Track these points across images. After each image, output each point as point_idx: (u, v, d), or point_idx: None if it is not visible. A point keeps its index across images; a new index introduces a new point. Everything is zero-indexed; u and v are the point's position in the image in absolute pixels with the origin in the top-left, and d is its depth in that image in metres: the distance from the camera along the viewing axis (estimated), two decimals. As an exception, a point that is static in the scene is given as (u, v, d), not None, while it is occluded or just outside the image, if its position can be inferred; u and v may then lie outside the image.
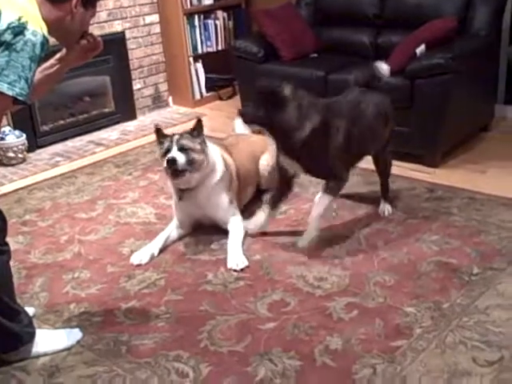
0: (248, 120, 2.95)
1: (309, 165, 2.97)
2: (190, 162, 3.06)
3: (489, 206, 3.44)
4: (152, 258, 3.12)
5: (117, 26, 5.27)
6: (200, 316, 2.65)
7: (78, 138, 5.06)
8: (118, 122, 5.36)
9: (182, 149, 3.06)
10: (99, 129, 5.23)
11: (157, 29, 5.60)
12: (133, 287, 2.89)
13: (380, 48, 4.68)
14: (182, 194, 3.20)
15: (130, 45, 5.40)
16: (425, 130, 3.95)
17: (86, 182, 4.20)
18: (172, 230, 3.30)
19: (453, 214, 3.39)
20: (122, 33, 5.31)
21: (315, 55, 4.88)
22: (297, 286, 2.81)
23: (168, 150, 3.07)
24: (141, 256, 3.12)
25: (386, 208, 3.44)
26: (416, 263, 2.93)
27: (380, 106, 3.22)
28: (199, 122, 3.14)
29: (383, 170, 3.44)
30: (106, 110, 5.37)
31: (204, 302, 2.74)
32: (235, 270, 2.95)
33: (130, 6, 5.35)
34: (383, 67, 3.31)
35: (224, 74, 5.90)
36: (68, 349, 2.50)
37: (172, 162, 3.02)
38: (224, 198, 3.23)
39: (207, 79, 5.80)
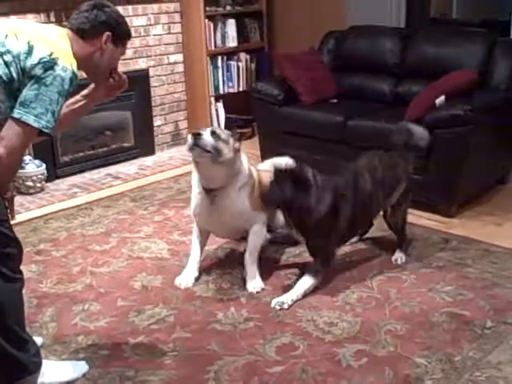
0: (274, 202, 3.05)
1: (314, 243, 3.09)
2: (216, 149, 2.96)
3: (504, 259, 3.41)
4: (196, 279, 3.22)
5: (141, 64, 5.37)
6: (207, 355, 2.62)
7: (97, 171, 5.11)
8: (136, 157, 5.42)
9: (213, 134, 2.99)
10: (118, 162, 5.29)
11: (180, 68, 5.70)
12: (142, 322, 2.88)
13: (399, 96, 4.72)
14: (207, 195, 3.12)
15: (154, 82, 5.49)
16: (442, 179, 3.95)
17: (101, 215, 4.22)
18: (198, 244, 3.31)
19: (467, 265, 3.35)
20: (146, 70, 5.41)
21: (335, 101, 4.92)
22: (306, 330, 2.78)
23: (199, 134, 2.99)
24: (186, 279, 3.20)
25: (399, 257, 3.42)
26: (428, 313, 2.89)
27: (393, 169, 3.31)
28: (235, 130, 3.18)
29: (395, 227, 3.45)
30: (126, 144, 5.43)
31: (212, 341, 2.71)
32: (257, 292, 3.10)
33: (155, 45, 5.45)
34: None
35: (244, 114, 5.96)
36: (73, 381, 2.48)
37: (197, 135, 2.95)
38: (247, 203, 3.17)
39: (227, 119, 5.86)
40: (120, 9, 4.45)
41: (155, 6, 5.39)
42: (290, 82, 4.88)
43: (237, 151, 3.09)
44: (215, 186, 3.10)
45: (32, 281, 3.25)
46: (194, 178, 3.20)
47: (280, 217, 3.56)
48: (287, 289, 3.11)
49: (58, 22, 4.50)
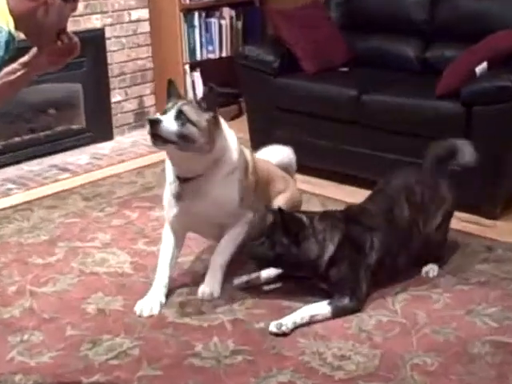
0: (262, 262, 3.24)
1: (334, 283, 3.17)
2: (183, 137, 2.97)
3: None
4: (161, 304, 3.22)
5: (95, 22, 5.37)
6: (183, 399, 2.63)
7: (37, 161, 5.10)
8: (89, 143, 5.42)
9: (179, 116, 2.98)
10: (65, 150, 5.29)
11: (145, 27, 5.71)
12: (98, 357, 2.88)
13: (428, 63, 4.75)
14: (182, 185, 3.16)
15: (111, 46, 5.49)
16: (483, 171, 3.96)
17: (44, 218, 4.21)
18: (169, 254, 3.32)
19: (516, 280, 3.39)
20: (101, 30, 5.42)
21: (345, 69, 4.94)
22: (311, 365, 2.79)
23: (164, 112, 3.02)
24: (150, 304, 3.18)
25: (431, 269, 3.45)
26: (467, 342, 2.90)
27: (434, 189, 3.44)
28: (212, 93, 3.14)
29: (434, 245, 3.50)
30: (75, 126, 5.43)
31: (190, 381, 2.71)
32: (208, 300, 3.20)
33: (112, -3, 5.46)
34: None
35: (228, 87, 5.96)
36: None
37: (153, 123, 2.95)
38: (236, 195, 3.22)
39: (206, 93, 5.86)
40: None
41: None
42: (287, 46, 4.89)
43: (216, 128, 3.10)
44: (191, 175, 3.13)
45: (-46, 304, 3.25)
46: (168, 163, 3.23)
47: None
48: (286, 312, 3.12)
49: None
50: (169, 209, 3.31)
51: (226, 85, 5.97)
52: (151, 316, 3.16)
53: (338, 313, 3.10)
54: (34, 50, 2.42)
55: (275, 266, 3.28)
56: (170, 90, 3.20)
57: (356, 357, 2.84)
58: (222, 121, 3.19)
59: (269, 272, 3.38)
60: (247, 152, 3.41)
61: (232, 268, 3.42)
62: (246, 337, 2.99)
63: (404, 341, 2.93)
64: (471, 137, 3.92)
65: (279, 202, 3.60)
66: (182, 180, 3.16)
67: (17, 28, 2.14)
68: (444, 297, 3.26)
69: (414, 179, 3.46)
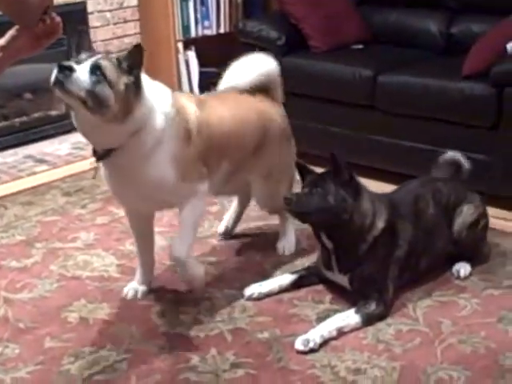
0: (307, 216, 3.16)
1: (365, 273, 3.17)
2: (94, 96, 2.72)
3: None
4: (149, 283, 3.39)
5: (76, -6, 5.37)
6: (178, 418, 2.64)
7: (12, 151, 5.12)
8: (69, 131, 5.40)
9: (95, 71, 2.74)
10: (43, 139, 5.32)
11: (133, 0, 5.70)
12: (81, 371, 2.87)
13: (454, 40, 4.76)
14: (102, 164, 3.01)
15: (94, 21, 5.50)
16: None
17: (19, 216, 4.23)
18: (137, 232, 3.38)
19: (554, 284, 3.39)
20: (83, 3, 5.43)
21: (360, 46, 4.94)
22: (321, 380, 2.79)
23: (78, 63, 2.76)
24: (133, 286, 3.38)
25: (463, 267, 3.47)
26: (498, 354, 2.90)
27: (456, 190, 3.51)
28: (137, 51, 2.85)
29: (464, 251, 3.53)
30: (54, 112, 5.45)
31: (184, 398, 2.72)
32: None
33: (95, -34, 5.47)
34: None
35: (226, 67, 5.94)
36: None
37: (63, 69, 2.68)
38: (171, 171, 3.01)
39: (202, 74, 5.87)
40: None
41: None
42: (294, 21, 4.90)
43: (136, 95, 2.85)
44: (104, 147, 2.94)
45: None
46: None
47: (290, 237, 3.72)
48: (293, 321, 3.12)
49: None
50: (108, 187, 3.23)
51: (225, 65, 5.96)
52: (134, 300, 3.32)
53: (368, 321, 3.10)
54: (11, 31, 2.42)
55: (319, 221, 3.16)
56: (83, 44, 3.01)
57: (372, 370, 2.83)
58: (145, 81, 2.92)
59: (281, 281, 3.38)
60: (190, 109, 3.12)
61: (241, 277, 3.47)
62: (248, 348, 2.98)
63: (427, 352, 2.93)
64: (502, 122, 3.93)
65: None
66: (98, 155, 2.97)
67: None
68: (472, 302, 3.26)
69: (440, 180, 3.54)
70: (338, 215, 3.09)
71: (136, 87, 2.85)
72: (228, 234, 3.92)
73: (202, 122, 3.14)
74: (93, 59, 2.77)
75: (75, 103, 2.77)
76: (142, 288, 3.39)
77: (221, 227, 3.94)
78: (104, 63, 2.77)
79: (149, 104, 2.93)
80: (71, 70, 2.69)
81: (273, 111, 3.58)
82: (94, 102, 2.73)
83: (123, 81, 2.80)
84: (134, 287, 3.40)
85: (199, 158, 3.13)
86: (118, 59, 2.84)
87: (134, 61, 2.82)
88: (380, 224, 3.17)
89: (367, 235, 3.15)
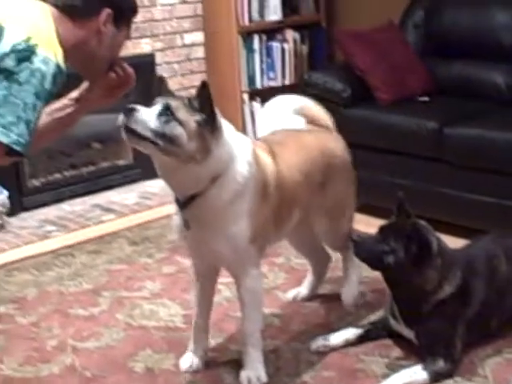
0: (374, 263, 3.15)
1: (429, 335, 3.12)
2: (166, 137, 2.68)
3: None
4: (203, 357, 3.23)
5: (144, 46, 5.48)
6: None
7: (80, 200, 5.18)
8: (136, 180, 5.47)
9: (164, 112, 2.70)
10: (110, 188, 5.38)
11: (200, 52, 5.79)
12: (147, 422, 2.89)
13: (521, 92, 4.72)
14: (184, 212, 2.90)
15: (162, 72, 5.56)
16: None
17: (86, 264, 4.26)
18: (199, 296, 3.22)
19: None
20: (151, 56, 5.52)
21: (426, 98, 4.92)
22: None
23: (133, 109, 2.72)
24: (189, 359, 3.22)
25: None
26: None
27: None
28: (205, 89, 2.76)
29: None
30: (122, 162, 5.51)
31: None
32: None
33: (164, 20, 5.57)
34: None
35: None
36: None
37: (127, 111, 2.65)
38: (243, 227, 2.91)
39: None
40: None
41: (165, -36, 5.51)
42: (359, 73, 4.90)
43: (212, 133, 2.77)
44: (186, 193, 2.86)
45: (-12, 359, 3.30)
46: None
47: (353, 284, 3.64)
48: (359, 376, 3.08)
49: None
50: (180, 241, 3.15)
51: (289, 116, 6.00)
52: (195, 371, 3.18)
53: (435, 378, 3.04)
54: (85, 84, 2.47)
55: (383, 271, 3.18)
56: (162, 89, 2.92)
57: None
58: (223, 124, 2.85)
59: (347, 334, 3.34)
60: (266, 160, 3.05)
61: (306, 329, 3.46)
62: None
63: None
64: None
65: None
66: (181, 204, 2.89)
67: (67, 59, 2.19)
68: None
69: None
70: (394, 275, 3.10)
71: (211, 125, 2.75)
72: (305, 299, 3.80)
73: (277, 174, 3.06)
74: (163, 101, 2.73)
75: (146, 146, 2.71)
76: (195, 361, 3.22)
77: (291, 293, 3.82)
78: (173, 103, 2.72)
79: (229, 147, 2.84)
80: (135, 111, 2.65)
81: (333, 145, 3.50)
82: (165, 142, 2.67)
83: (194, 118, 2.71)
84: (190, 359, 3.23)
85: (271, 216, 3.04)
86: (188, 99, 2.79)
87: (203, 98, 2.73)
88: (448, 289, 3.11)
89: (430, 297, 3.10)
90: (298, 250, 3.87)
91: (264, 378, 3.07)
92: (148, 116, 2.66)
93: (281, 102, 3.60)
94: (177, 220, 3.00)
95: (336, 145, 3.52)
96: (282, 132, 3.43)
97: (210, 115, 2.75)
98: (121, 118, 2.65)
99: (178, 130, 2.69)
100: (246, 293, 3.05)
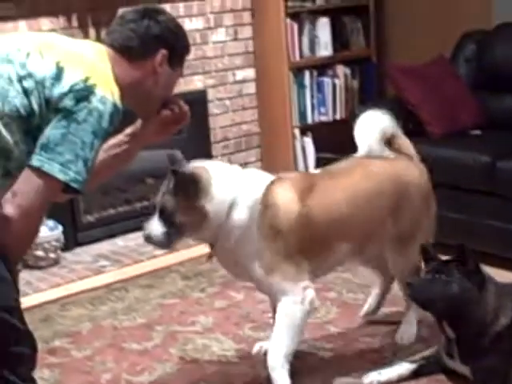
0: (428, 303, 3.09)
1: (485, 369, 3.06)
2: (174, 227, 3.06)
3: None
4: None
5: (197, 83, 5.54)
6: None
7: (134, 235, 5.20)
8: (189, 216, 5.50)
9: (162, 215, 3.06)
10: (163, 223, 5.38)
11: (251, 88, 5.84)
12: None
13: None
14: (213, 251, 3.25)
15: (213, 108, 5.64)
16: None
17: (140, 299, 4.30)
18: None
19: None
20: (203, 92, 5.57)
21: (478, 132, 4.91)
22: None
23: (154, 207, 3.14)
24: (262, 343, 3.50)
25: None
26: None
27: None
28: (179, 176, 3.04)
29: None
30: (174, 197, 5.54)
31: None
32: None
33: (216, 57, 5.63)
34: None
35: (343, 153, 5.96)
36: None
37: (147, 240, 3.14)
38: (255, 264, 3.11)
39: (319, 160, 5.89)
40: (167, 7, 4.61)
41: (216, 2, 5.57)
42: (410, 107, 4.91)
43: (199, 203, 3.04)
44: (206, 242, 3.24)
45: (44, 393, 3.33)
46: None
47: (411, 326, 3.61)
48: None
49: (82, 28, 4.68)
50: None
51: (341, 150, 5.96)
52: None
53: None
54: (139, 122, 2.52)
55: (441, 309, 3.10)
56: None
57: None
58: (213, 177, 3.07)
59: (400, 369, 3.29)
60: (284, 202, 3.11)
61: (359, 364, 3.42)
62: None
63: None
64: None
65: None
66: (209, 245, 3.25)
67: (122, 99, 2.23)
68: None
69: None
70: (461, 305, 3.02)
71: (195, 198, 3.03)
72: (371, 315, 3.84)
73: (301, 214, 3.11)
74: (157, 206, 3.08)
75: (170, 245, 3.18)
76: (267, 346, 3.34)
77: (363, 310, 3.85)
78: (163, 204, 3.04)
79: (221, 200, 3.06)
80: (150, 238, 3.11)
81: (409, 171, 3.47)
82: (177, 230, 3.07)
83: (180, 198, 3.02)
84: (262, 344, 3.52)
85: (293, 253, 3.11)
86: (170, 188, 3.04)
87: (180, 185, 3.01)
88: (504, 320, 3.06)
89: (489, 329, 3.04)
90: (364, 265, 3.87)
91: None
92: (157, 233, 3.06)
93: (372, 119, 3.59)
94: None
95: (412, 170, 3.49)
96: (352, 160, 3.54)
97: (190, 193, 3.03)
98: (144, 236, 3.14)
99: (175, 219, 3.03)
100: (278, 316, 3.16)
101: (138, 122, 2.52)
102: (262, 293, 3.39)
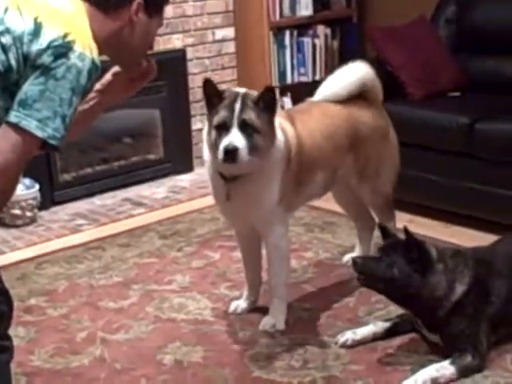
0: (371, 281, 3.13)
1: (453, 335, 3.10)
2: (253, 148, 3.06)
3: None
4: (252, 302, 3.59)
5: (175, 42, 5.50)
6: None
7: (111, 194, 5.22)
8: (167, 175, 5.50)
9: (243, 126, 3.04)
10: (140, 182, 5.41)
11: (231, 47, 5.81)
12: (177, 415, 2.91)
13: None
14: (229, 186, 3.21)
15: (193, 68, 5.60)
16: None
17: (117, 257, 4.30)
18: (245, 253, 3.60)
19: None
20: (182, 51, 5.54)
21: (457, 94, 4.91)
22: (416, 431, 2.74)
23: (224, 125, 3.06)
24: (238, 302, 3.62)
25: None
26: None
27: None
28: (270, 92, 3.11)
29: None
30: (152, 156, 5.55)
31: None
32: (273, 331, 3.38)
33: (195, 15, 5.58)
34: None
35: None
36: None
37: (232, 153, 3.02)
38: (273, 191, 3.24)
39: (297, 121, 5.90)
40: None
41: (196, -41, 5.51)
42: (390, 68, 4.89)
43: (273, 132, 3.15)
44: (238, 173, 3.19)
45: (20, 350, 3.25)
46: (206, 152, 3.27)
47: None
48: (387, 370, 3.09)
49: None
50: (220, 210, 3.49)
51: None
52: (238, 315, 3.55)
53: (463, 373, 3.02)
54: (107, 76, 2.51)
55: (385, 290, 3.15)
56: (209, 89, 3.17)
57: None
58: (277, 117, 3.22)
59: (375, 328, 3.32)
60: (288, 130, 3.31)
61: (334, 323, 3.47)
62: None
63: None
64: None
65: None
66: (228, 179, 3.21)
67: (101, 52, 2.21)
68: None
69: None
70: (402, 288, 3.06)
71: (273, 123, 3.13)
72: None
73: (297, 138, 3.32)
74: (238, 117, 3.03)
75: (238, 161, 3.06)
76: (242, 305, 3.59)
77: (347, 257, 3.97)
78: (247, 116, 3.04)
79: (277, 134, 3.19)
80: (236, 151, 3.01)
81: (361, 113, 3.66)
82: (252, 152, 3.05)
83: (265, 119, 3.08)
84: (237, 303, 3.61)
85: (293, 179, 3.30)
86: (254, 101, 3.08)
87: (268, 101, 3.08)
88: (460, 288, 3.07)
89: (444, 302, 3.06)
90: (347, 212, 4.13)
91: (280, 325, 3.41)
92: (241, 145, 3.01)
93: (347, 72, 3.77)
94: (218, 194, 3.31)
95: (364, 113, 3.69)
96: (309, 103, 3.73)
97: (272, 117, 3.11)
98: (221, 154, 3.03)
99: (256, 140, 3.06)
100: (271, 249, 3.39)
101: (104, 79, 2.50)
102: (257, 228, 3.41)
